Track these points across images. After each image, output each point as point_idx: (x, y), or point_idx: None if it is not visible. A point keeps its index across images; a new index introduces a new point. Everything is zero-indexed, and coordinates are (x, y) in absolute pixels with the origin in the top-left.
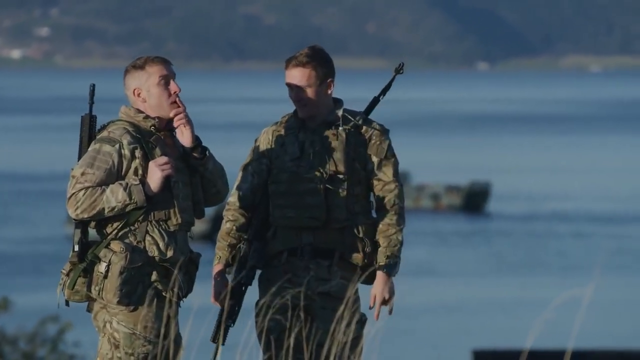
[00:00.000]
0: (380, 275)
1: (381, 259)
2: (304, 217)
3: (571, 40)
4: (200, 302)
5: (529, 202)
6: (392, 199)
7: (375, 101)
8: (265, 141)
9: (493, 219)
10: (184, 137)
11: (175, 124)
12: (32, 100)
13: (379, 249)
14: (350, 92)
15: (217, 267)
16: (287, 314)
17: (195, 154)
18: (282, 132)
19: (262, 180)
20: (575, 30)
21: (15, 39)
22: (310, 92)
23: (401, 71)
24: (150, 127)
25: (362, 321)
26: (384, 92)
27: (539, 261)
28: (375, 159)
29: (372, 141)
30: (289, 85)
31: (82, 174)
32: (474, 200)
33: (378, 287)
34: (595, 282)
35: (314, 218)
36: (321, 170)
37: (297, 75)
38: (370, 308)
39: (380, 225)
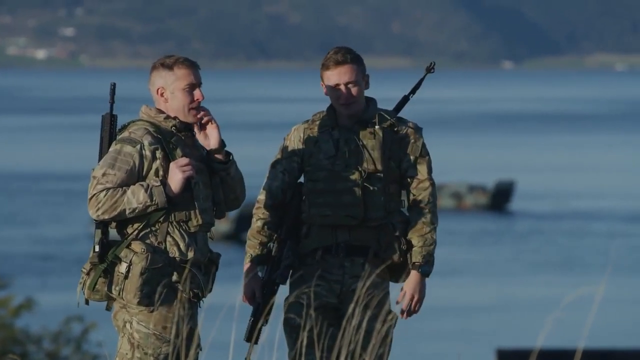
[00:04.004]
0: (414, 274)
1: (417, 258)
2: (341, 216)
3: (596, 39)
4: (211, 301)
5: (553, 200)
6: (426, 197)
7: (405, 100)
8: (296, 139)
9: (518, 217)
10: (210, 138)
11: (200, 125)
12: (57, 100)
13: (414, 248)
14: (377, 92)
15: (248, 266)
16: (310, 312)
17: (219, 157)
18: (315, 130)
19: (293, 178)
20: (600, 28)
21: (40, 39)
22: (358, 89)
23: (432, 70)
24: (171, 127)
25: (392, 320)
26: (413, 90)
27: (565, 259)
28: (410, 157)
29: (407, 139)
30: (337, 85)
31: (103, 174)
32: (500, 199)
33: (411, 285)
34: (605, 280)
35: (351, 217)
36: (358, 169)
37: (347, 72)
38: (397, 303)
39: (415, 224)
